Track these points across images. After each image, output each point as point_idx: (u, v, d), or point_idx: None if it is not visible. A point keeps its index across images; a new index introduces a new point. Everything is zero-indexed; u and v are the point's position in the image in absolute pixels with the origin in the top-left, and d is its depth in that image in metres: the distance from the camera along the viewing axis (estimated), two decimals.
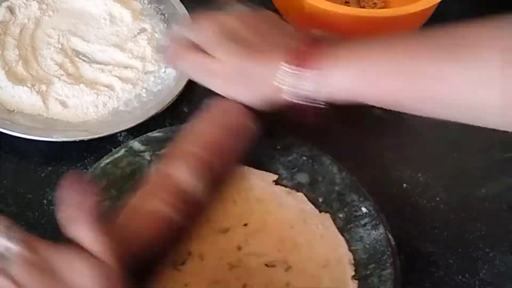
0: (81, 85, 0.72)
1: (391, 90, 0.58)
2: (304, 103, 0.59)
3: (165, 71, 0.76)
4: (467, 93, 0.55)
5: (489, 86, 0.53)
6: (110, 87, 0.74)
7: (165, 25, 0.81)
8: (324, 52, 0.59)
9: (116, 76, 0.74)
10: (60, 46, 0.76)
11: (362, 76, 0.58)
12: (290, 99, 0.60)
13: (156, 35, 0.80)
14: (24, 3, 0.79)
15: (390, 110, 0.77)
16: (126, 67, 0.76)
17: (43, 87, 0.72)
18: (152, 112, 0.71)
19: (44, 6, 0.79)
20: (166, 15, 0.81)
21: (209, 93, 0.76)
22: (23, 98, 0.71)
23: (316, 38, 0.61)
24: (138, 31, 0.80)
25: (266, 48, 0.62)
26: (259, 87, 0.62)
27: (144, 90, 0.74)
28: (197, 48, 0.64)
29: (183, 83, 0.74)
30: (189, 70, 0.67)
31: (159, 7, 0.82)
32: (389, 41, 0.59)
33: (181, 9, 0.81)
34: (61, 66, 0.74)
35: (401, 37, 0.60)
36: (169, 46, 0.69)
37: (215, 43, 0.63)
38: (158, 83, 0.75)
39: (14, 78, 0.72)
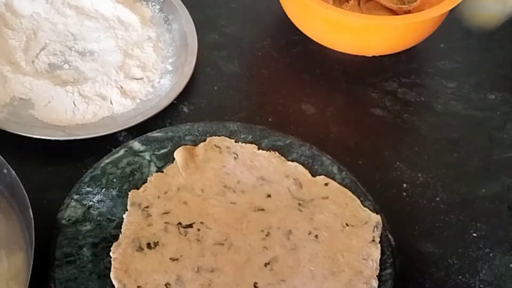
0: (85, 91, 0.72)
1: None
2: None
3: (159, 82, 0.76)
4: None
5: None
6: (113, 95, 0.73)
7: (171, 35, 0.81)
8: None
9: (118, 87, 0.74)
10: (66, 49, 0.77)
11: None
12: None
13: (159, 44, 0.80)
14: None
15: (390, 110, 0.78)
16: (130, 74, 0.76)
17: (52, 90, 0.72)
18: (152, 112, 0.71)
19: (48, 6, 0.80)
20: (173, 25, 0.81)
21: (209, 93, 0.77)
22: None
23: None
24: (147, 37, 0.80)
25: None
26: None
27: (145, 92, 0.75)
28: None
29: (183, 84, 0.74)
30: None
31: (168, 17, 0.82)
32: None
33: (188, 21, 0.80)
34: (66, 70, 0.75)
35: None
36: None
37: None
38: (160, 84, 0.76)
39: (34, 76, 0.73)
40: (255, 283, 0.58)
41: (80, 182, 0.64)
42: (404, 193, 0.70)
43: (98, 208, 0.62)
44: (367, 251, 0.61)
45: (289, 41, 0.83)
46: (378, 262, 0.60)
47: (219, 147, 0.67)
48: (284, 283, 0.58)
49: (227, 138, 0.68)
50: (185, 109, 0.75)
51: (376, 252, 0.61)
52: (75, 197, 0.62)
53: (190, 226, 0.61)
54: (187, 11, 0.81)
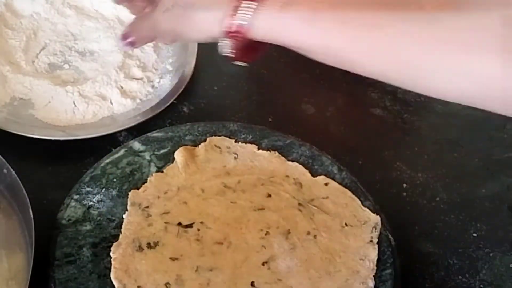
0: (85, 91, 0.73)
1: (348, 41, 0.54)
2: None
3: (159, 82, 0.76)
4: (460, 57, 0.46)
5: (488, 50, 0.44)
6: (113, 95, 0.74)
7: None
8: None
9: (118, 87, 0.74)
10: (66, 49, 0.77)
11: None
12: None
13: (159, 44, 0.80)
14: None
15: (390, 110, 0.77)
16: (130, 74, 0.76)
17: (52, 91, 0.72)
18: (152, 112, 0.71)
19: (48, 6, 0.80)
20: None
21: (209, 93, 0.77)
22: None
23: None
24: None
25: None
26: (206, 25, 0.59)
27: (145, 92, 0.75)
28: None
29: (183, 84, 0.74)
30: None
31: None
32: None
33: None
34: (66, 70, 0.75)
35: None
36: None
37: None
38: (161, 84, 0.76)
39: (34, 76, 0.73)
40: (252, 282, 0.58)
41: (80, 182, 0.64)
42: (404, 193, 0.70)
43: (98, 208, 0.62)
44: (365, 251, 0.61)
45: None
46: (375, 262, 0.60)
47: (219, 147, 0.67)
48: (281, 282, 0.58)
49: (227, 138, 0.68)
50: (185, 109, 0.75)
51: (373, 253, 0.61)
52: (75, 197, 0.62)
53: (190, 226, 0.61)
54: None
